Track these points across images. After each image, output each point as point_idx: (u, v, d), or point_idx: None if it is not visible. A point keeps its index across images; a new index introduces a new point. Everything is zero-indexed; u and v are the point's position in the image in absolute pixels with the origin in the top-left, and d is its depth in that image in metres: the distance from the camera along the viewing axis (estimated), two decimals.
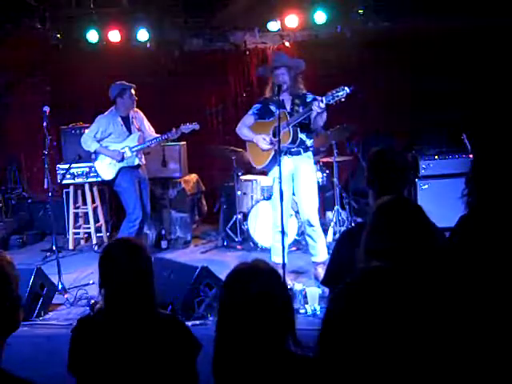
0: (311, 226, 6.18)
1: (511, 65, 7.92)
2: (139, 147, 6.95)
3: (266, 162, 6.18)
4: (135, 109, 7.07)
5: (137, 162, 7.00)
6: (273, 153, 6.04)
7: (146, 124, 7.13)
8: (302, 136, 6.04)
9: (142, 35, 8.51)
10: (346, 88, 5.46)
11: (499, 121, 7.69)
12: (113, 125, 6.95)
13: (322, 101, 5.57)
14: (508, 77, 7.88)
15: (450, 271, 2.65)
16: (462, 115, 8.14)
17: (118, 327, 2.72)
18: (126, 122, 7.01)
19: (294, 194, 6.25)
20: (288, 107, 6.06)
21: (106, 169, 7.00)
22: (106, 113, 7.02)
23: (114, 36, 8.45)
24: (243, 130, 6.34)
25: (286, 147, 5.97)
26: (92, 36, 8.41)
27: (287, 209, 6.12)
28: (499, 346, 2.52)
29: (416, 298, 2.04)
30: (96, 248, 7.77)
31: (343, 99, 5.52)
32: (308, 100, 6.09)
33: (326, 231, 7.15)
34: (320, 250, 6.24)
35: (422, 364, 2.00)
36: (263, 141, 6.12)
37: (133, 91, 6.89)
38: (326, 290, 3.58)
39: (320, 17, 8.03)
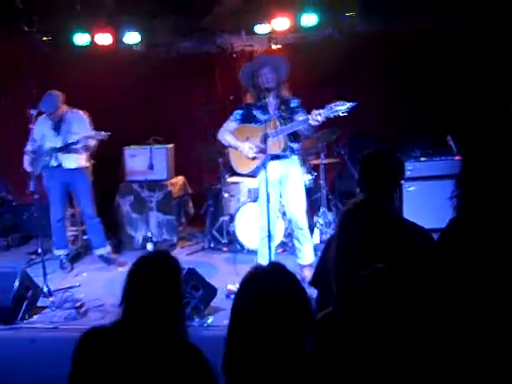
0: (299, 228, 6.19)
1: (500, 66, 7.95)
2: (64, 148, 6.82)
3: (252, 167, 6.11)
4: (77, 110, 6.99)
5: (53, 163, 6.86)
6: (261, 158, 5.97)
7: (85, 126, 6.92)
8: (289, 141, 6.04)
9: (131, 38, 8.46)
10: (347, 103, 5.36)
11: (487, 122, 7.72)
12: (43, 126, 6.85)
13: (320, 114, 5.47)
14: (496, 78, 7.92)
15: (439, 273, 2.66)
16: (449, 116, 8.19)
17: (130, 345, 2.54)
18: (58, 123, 6.89)
19: (281, 197, 6.24)
20: (272, 111, 5.99)
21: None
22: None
23: (103, 39, 8.40)
24: (226, 136, 6.22)
25: (276, 154, 5.97)
26: (80, 39, 8.35)
27: (274, 212, 6.11)
28: (490, 346, 2.53)
29: (408, 300, 2.05)
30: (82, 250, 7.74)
31: (343, 114, 5.41)
32: (293, 105, 6.05)
33: (312, 233, 7.16)
34: (306, 252, 6.25)
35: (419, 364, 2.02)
36: (250, 150, 6.02)
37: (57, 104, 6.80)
38: (314, 291, 3.58)
39: (309, 19, 8.01)
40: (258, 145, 6.00)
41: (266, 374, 2.12)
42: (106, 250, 7.18)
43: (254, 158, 6.05)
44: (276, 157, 5.98)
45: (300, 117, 5.93)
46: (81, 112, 7.00)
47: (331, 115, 5.45)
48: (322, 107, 5.50)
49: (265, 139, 5.65)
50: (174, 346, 2.58)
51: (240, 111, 6.23)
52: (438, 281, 2.64)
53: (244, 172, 6.28)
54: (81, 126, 6.87)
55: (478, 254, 2.58)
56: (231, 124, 6.24)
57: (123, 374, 2.49)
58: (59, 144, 6.81)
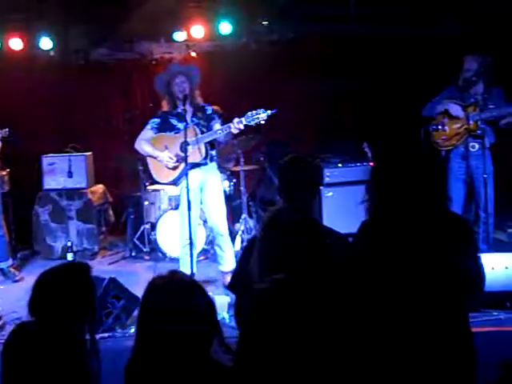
0: (220, 235, 6.24)
1: (413, 72, 8.21)
2: None
3: (172, 176, 6.11)
4: None
5: None
6: (181, 167, 5.98)
7: None
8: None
9: (46, 43, 8.30)
10: (267, 111, 5.53)
11: (398, 129, 7.96)
12: None
13: (241, 122, 5.60)
14: (408, 84, 8.17)
15: (351, 277, 2.75)
16: (366, 123, 8.42)
17: (37, 347, 2.62)
18: None
19: (201, 204, 6.27)
20: (188, 119, 6.00)
21: None
22: None
23: (16, 44, 8.21)
24: (144, 145, 6.17)
25: (197, 163, 5.99)
26: None
27: (195, 219, 6.14)
28: (404, 348, 2.63)
29: (318, 306, 2.10)
30: None
31: (263, 122, 5.58)
32: (208, 113, 6.13)
33: (233, 239, 7.22)
34: (228, 259, 6.30)
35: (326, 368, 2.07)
36: (169, 160, 6.03)
37: None
38: (234, 296, 3.62)
39: (225, 28, 8.10)
40: (177, 153, 6.00)
41: (170, 381, 2.15)
42: (6, 264, 7.00)
43: (174, 168, 6.06)
44: (196, 165, 6.01)
45: (217, 123, 6.05)
46: None
47: (252, 123, 5.60)
48: (243, 115, 5.63)
49: (184, 147, 5.67)
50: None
51: (156, 120, 6.21)
52: (351, 283, 2.73)
53: (165, 181, 6.28)
54: None
55: (388, 254, 2.69)
56: (148, 133, 6.21)
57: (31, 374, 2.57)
58: None
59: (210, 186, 6.18)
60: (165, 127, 6.15)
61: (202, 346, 2.20)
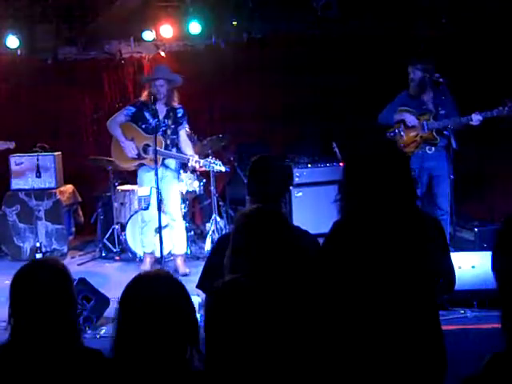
0: (172, 219, 6.65)
1: (381, 71, 8.28)
2: None
3: (130, 165, 6.70)
4: None
5: None
6: (136, 162, 6.58)
7: None
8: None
9: (12, 42, 8.19)
10: (223, 167, 6.33)
11: (368, 130, 8.03)
12: None
13: (199, 162, 6.25)
14: (377, 86, 8.25)
15: (323, 277, 2.78)
16: (335, 123, 8.47)
17: (30, 364, 2.34)
18: None
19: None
20: (161, 117, 6.45)
21: None
22: None
23: None
24: (115, 126, 6.61)
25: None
26: None
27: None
28: (375, 347, 2.66)
29: (277, 308, 2.12)
30: None
31: (215, 171, 6.64)
32: (179, 115, 6.53)
33: (204, 240, 7.27)
34: (178, 241, 6.69)
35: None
36: (132, 150, 6.49)
37: None
38: (204, 295, 3.62)
39: (194, 28, 8.10)
40: (139, 152, 6.51)
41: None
42: None
43: (132, 159, 6.56)
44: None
45: (182, 130, 6.58)
46: None
47: (207, 168, 6.35)
48: (205, 156, 6.42)
49: (146, 149, 6.32)
50: (78, 354, 2.43)
51: (132, 109, 6.60)
52: (322, 283, 2.76)
53: (122, 166, 6.90)
54: None
55: (360, 253, 2.72)
56: (122, 117, 6.63)
57: None
58: None
59: (167, 181, 6.56)
60: (137, 118, 6.53)
61: (179, 343, 2.15)
